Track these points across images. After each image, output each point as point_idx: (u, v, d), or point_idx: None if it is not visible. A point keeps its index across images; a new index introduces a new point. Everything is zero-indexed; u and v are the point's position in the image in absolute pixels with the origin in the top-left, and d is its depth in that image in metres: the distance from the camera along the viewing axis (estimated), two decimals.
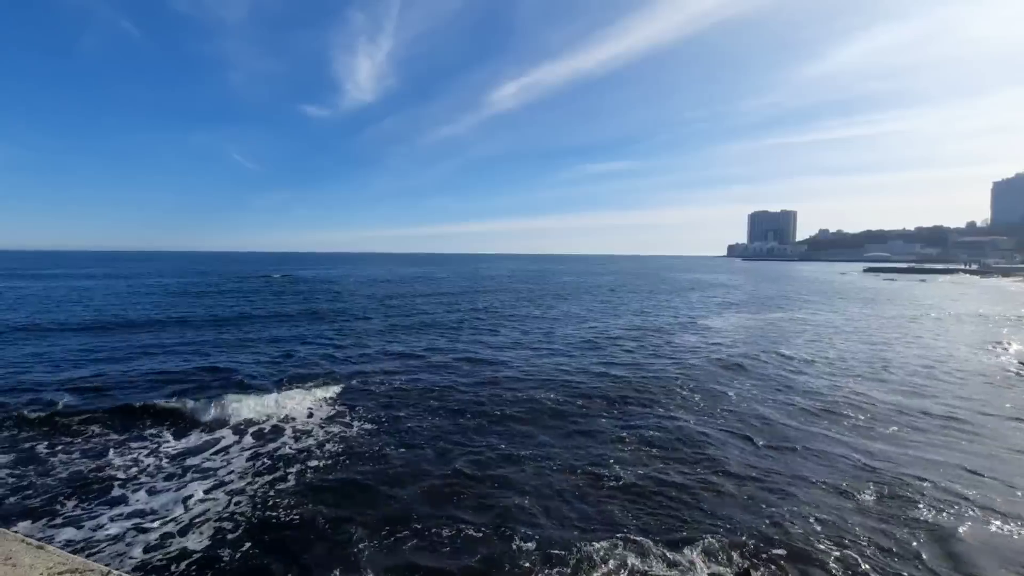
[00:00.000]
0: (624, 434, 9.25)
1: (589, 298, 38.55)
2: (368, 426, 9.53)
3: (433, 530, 6.04)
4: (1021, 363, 15.69)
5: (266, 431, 9.27)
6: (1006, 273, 76.34)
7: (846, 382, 13.38)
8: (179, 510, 6.44)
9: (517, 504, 6.67)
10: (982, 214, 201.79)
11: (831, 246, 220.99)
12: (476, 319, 25.20)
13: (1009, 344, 19.10)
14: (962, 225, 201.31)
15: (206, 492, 6.92)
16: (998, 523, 6.37)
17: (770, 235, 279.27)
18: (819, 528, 6.26)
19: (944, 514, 6.59)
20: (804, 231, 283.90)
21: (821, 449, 8.69)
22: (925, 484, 7.38)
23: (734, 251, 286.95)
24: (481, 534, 6.00)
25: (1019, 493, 7.17)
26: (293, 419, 9.89)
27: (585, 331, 21.49)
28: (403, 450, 8.43)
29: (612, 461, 8.03)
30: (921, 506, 6.79)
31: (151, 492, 6.93)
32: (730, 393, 12.09)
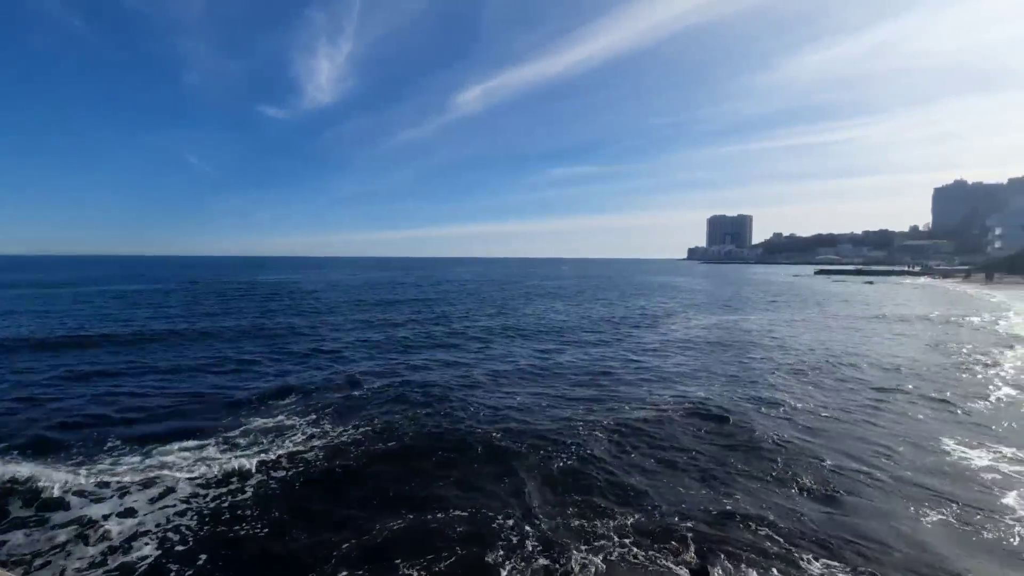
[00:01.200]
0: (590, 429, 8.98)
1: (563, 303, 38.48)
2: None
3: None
4: (960, 363, 16.23)
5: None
6: (945, 275, 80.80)
7: (802, 383, 13.52)
8: None
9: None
10: (924, 218, 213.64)
11: (785, 249, 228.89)
12: (456, 330, 24.62)
13: (960, 346, 19.77)
14: (906, 229, 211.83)
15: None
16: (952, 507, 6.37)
17: (728, 239, 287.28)
18: (773, 519, 6.10)
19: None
20: (760, 234, 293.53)
21: (782, 443, 8.63)
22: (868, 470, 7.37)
23: (694, 254, 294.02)
24: None
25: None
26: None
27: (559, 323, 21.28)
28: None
29: (577, 449, 7.74)
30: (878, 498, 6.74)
31: None
32: (699, 392, 12.00)
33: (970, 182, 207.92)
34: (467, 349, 18.01)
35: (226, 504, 6.58)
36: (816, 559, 5.53)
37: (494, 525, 6.05)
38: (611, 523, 6.20)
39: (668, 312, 31.83)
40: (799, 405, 11.28)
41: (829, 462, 8.12)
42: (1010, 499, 6.93)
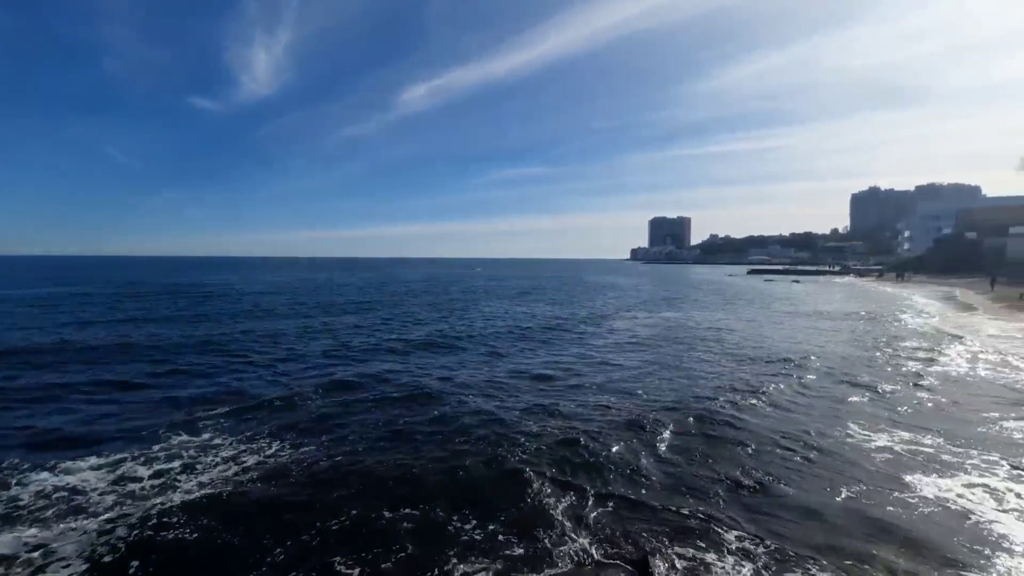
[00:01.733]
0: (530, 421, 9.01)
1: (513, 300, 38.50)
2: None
3: None
4: (875, 354, 17.54)
5: None
6: (861, 274, 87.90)
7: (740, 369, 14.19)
8: None
9: None
10: (843, 222, 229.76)
11: (721, 250, 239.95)
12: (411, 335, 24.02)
13: (875, 339, 21.30)
14: (827, 231, 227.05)
15: None
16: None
17: (668, 240, 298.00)
18: (724, 506, 6.34)
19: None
20: (698, 236, 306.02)
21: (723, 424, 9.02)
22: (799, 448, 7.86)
23: (637, 254, 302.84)
24: None
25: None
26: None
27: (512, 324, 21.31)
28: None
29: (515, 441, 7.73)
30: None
31: None
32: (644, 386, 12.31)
33: (883, 189, 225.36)
34: (418, 355, 17.36)
35: (137, 535, 6.10)
36: (737, 537, 5.80)
37: (450, 553, 5.92)
38: (559, 521, 6.25)
39: (614, 310, 32.63)
40: (732, 396, 11.82)
41: (752, 447, 8.58)
42: (909, 478, 7.58)
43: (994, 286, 42.75)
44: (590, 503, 6.84)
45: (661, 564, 5.44)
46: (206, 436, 9.24)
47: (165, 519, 6.29)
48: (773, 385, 13.22)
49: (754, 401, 11.75)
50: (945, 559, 5.59)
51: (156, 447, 8.66)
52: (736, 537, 6.01)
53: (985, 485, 7.41)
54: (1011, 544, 5.89)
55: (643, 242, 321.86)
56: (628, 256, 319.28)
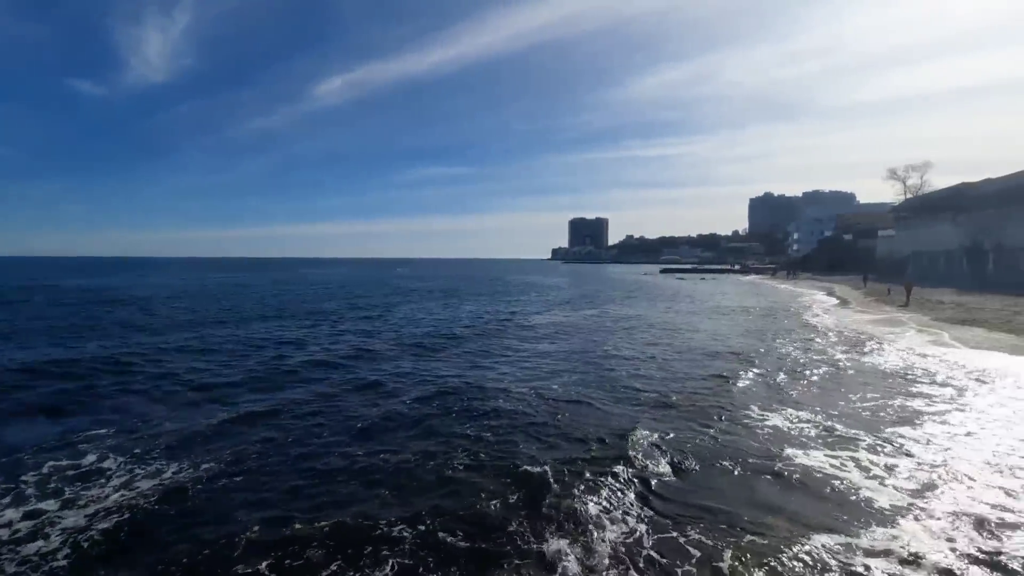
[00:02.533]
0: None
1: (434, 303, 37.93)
2: None
3: None
4: (772, 344, 19.24)
5: None
6: (758, 272, 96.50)
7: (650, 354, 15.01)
8: None
9: None
10: (743, 224, 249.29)
11: (637, 250, 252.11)
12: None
13: (772, 331, 23.28)
14: (729, 233, 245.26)
15: None
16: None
17: (588, 240, 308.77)
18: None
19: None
20: (615, 236, 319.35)
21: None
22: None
23: (557, 254, 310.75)
24: None
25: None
26: None
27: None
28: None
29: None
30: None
31: None
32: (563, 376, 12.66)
33: (775, 194, 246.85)
34: (338, 366, 15.79)
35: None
36: (646, 521, 6.19)
37: None
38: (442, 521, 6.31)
39: (537, 308, 33.32)
40: (647, 387, 12.52)
41: (662, 433, 9.16)
42: (790, 451, 8.46)
43: (866, 283, 48.27)
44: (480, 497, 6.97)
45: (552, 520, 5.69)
46: (91, 458, 8.34)
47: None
48: (690, 372, 14.13)
49: (677, 387, 12.51)
50: (815, 523, 6.29)
51: (29, 475, 7.74)
52: (646, 519, 6.42)
53: (853, 456, 8.40)
54: (872, 508, 6.74)
55: (564, 242, 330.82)
56: (549, 256, 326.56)
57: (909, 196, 73.19)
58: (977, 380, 13.07)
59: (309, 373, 14.61)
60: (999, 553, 5.55)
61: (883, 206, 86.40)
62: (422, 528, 6.15)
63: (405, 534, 6.02)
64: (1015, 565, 5.34)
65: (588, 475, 7.60)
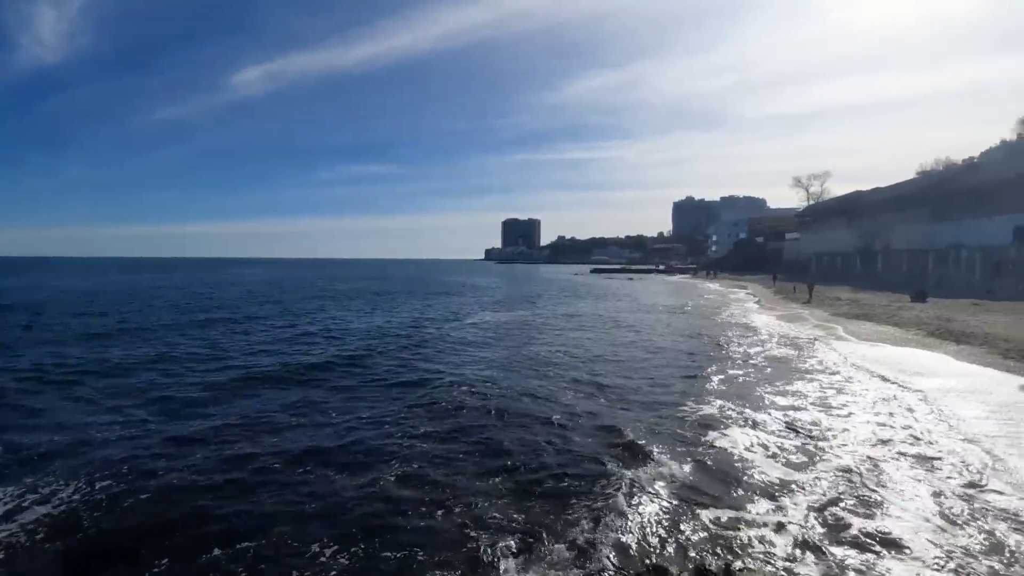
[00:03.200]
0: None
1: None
2: None
3: None
4: (692, 336, 20.32)
5: None
6: (682, 272, 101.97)
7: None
8: None
9: None
10: (667, 226, 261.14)
11: (568, 250, 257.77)
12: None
13: (693, 326, 24.50)
14: (655, 234, 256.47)
15: None
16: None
17: (520, 240, 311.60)
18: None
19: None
20: (547, 237, 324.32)
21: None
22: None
23: (491, 254, 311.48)
24: None
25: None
26: None
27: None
28: None
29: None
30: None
31: None
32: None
33: (696, 198, 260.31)
34: (264, 383, 13.53)
35: None
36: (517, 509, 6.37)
37: None
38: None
39: (469, 309, 33.28)
40: (563, 384, 12.87)
41: (628, 421, 9.46)
42: (713, 434, 8.98)
43: (776, 281, 52.15)
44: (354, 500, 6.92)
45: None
46: None
47: None
48: (631, 364, 14.64)
49: (620, 380, 12.92)
50: (726, 498, 6.75)
51: None
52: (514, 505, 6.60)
53: (761, 439, 9.06)
54: (776, 488, 7.31)
55: (497, 242, 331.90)
56: (483, 256, 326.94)
57: (811, 202, 79.92)
58: (864, 369, 14.50)
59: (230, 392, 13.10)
60: (870, 518, 6.22)
61: (790, 211, 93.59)
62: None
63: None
64: (880, 528, 5.99)
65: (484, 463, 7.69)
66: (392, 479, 7.54)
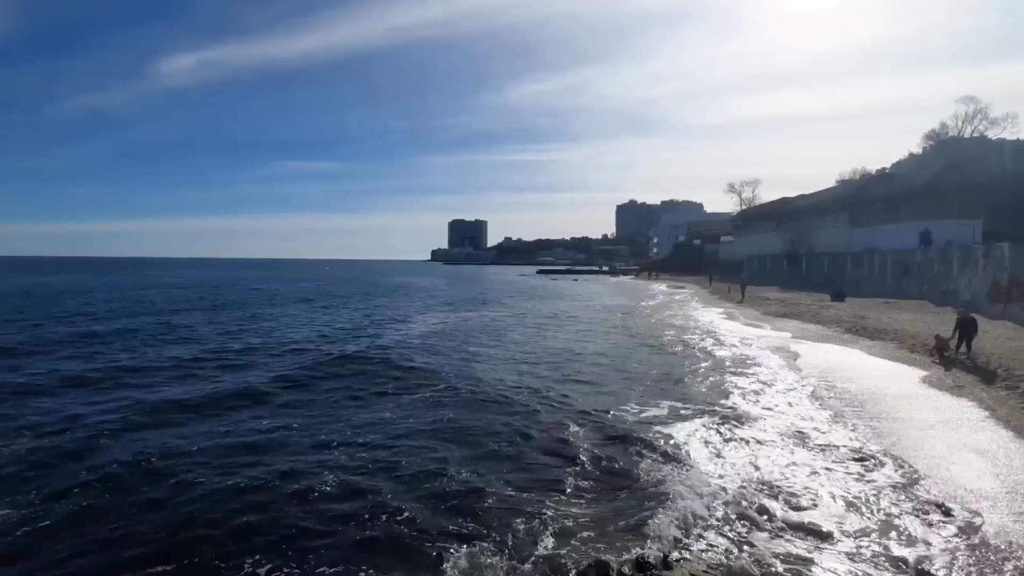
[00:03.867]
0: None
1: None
2: None
3: None
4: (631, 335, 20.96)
5: None
6: (625, 272, 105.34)
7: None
8: None
9: None
10: (611, 228, 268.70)
11: (515, 251, 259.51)
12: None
13: (633, 325, 25.25)
14: (599, 236, 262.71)
15: None
16: None
17: (467, 241, 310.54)
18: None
19: None
20: (494, 238, 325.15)
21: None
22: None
23: (437, 255, 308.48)
24: None
25: None
26: None
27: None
28: None
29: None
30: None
31: None
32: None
33: (638, 201, 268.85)
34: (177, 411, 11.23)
35: None
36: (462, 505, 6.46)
37: None
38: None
39: (414, 311, 32.89)
40: (508, 380, 13.00)
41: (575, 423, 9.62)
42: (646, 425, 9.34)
43: (712, 282, 54.65)
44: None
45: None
46: None
47: None
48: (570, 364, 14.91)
49: (573, 376, 13.13)
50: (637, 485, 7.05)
51: None
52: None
53: (693, 429, 9.52)
54: (704, 470, 7.70)
55: (443, 243, 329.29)
56: (429, 257, 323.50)
57: (744, 208, 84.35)
58: (787, 363, 15.54)
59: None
60: (794, 496, 6.70)
61: (725, 215, 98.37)
62: None
63: None
64: (800, 503, 6.47)
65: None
66: (321, 492, 7.19)
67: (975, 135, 46.56)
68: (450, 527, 6.22)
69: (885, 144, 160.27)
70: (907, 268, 30.33)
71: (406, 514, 6.46)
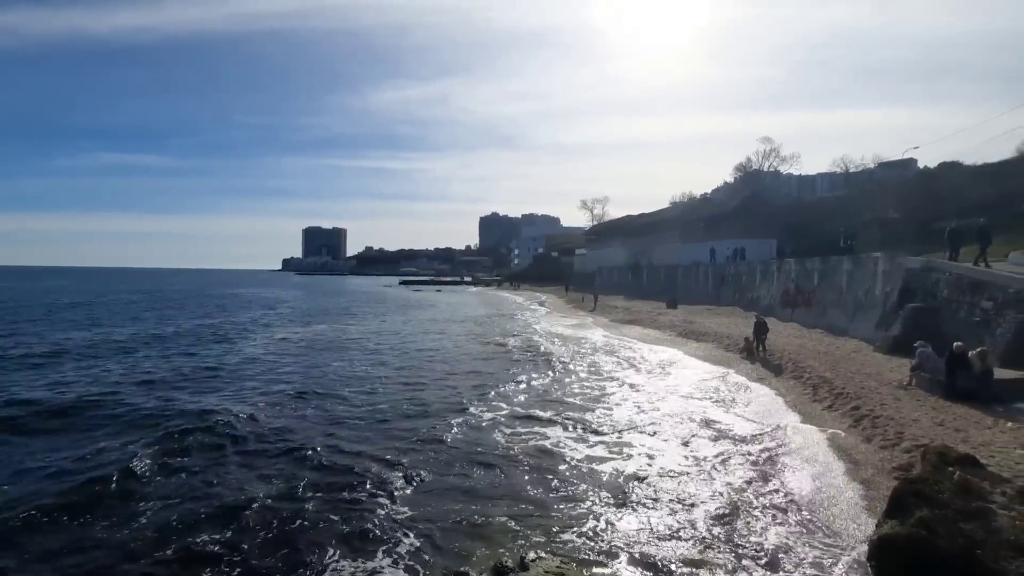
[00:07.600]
0: None
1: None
2: None
3: None
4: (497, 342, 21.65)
5: None
6: (487, 284, 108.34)
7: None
8: None
9: None
10: (474, 239, 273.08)
11: (376, 261, 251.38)
12: None
13: (497, 330, 25.99)
14: (463, 247, 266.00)
15: None
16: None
17: (324, 250, 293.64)
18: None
19: None
20: (354, 247, 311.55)
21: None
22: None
23: (289, 265, 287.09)
24: None
25: None
26: None
27: None
28: None
29: None
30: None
31: None
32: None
33: (500, 214, 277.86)
34: None
35: None
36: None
37: None
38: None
39: (261, 326, 30.25)
40: (383, 389, 12.79)
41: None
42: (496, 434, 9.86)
43: (568, 291, 58.49)
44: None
45: None
46: None
47: None
48: (422, 372, 14.89)
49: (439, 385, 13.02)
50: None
51: None
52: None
53: (563, 435, 10.26)
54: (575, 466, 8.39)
55: (297, 252, 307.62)
56: (280, 267, 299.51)
57: (595, 223, 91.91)
58: (631, 364, 17.48)
59: None
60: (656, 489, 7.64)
61: (579, 229, 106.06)
62: None
63: None
64: (661, 498, 7.42)
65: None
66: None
67: (771, 169, 56.37)
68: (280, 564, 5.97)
69: (708, 171, 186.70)
70: (723, 279, 35.49)
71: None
